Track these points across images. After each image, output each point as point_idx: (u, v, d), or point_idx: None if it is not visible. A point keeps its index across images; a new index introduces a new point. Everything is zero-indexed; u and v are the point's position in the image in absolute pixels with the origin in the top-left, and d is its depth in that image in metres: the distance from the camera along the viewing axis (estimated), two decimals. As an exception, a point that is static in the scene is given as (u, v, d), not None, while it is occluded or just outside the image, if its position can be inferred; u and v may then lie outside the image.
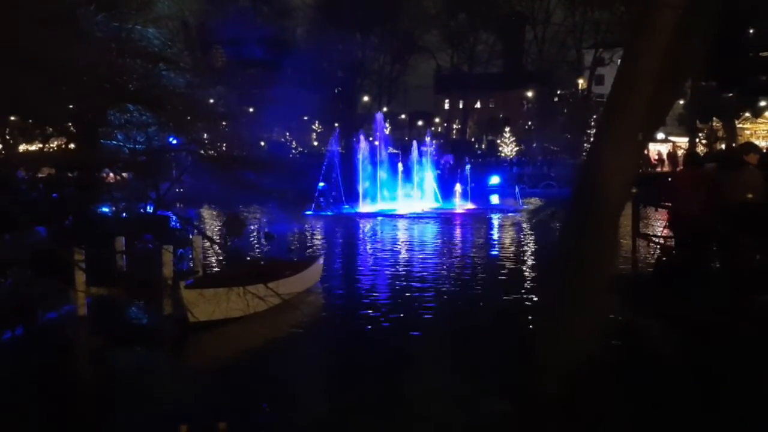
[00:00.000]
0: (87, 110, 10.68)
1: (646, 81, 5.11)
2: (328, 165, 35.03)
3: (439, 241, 23.69)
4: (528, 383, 5.59)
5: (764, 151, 11.55)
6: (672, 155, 46.34)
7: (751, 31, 42.69)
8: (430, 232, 26.30)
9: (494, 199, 35.95)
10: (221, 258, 16.84)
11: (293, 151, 55.97)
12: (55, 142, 12.33)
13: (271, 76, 48.87)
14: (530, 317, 11.64)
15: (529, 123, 61.87)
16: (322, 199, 33.47)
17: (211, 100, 17.61)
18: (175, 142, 13.42)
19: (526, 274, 16.93)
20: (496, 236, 25.90)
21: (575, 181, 6.40)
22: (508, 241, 24.10)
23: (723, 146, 40.10)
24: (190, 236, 15.14)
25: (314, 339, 11.84)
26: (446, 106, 69.83)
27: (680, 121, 49.64)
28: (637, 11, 5.48)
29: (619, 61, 5.90)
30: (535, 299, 13.16)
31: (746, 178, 8.23)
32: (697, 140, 47.87)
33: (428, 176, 36.74)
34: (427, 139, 39.61)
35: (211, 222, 24.43)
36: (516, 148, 55.81)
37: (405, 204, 34.18)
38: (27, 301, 11.53)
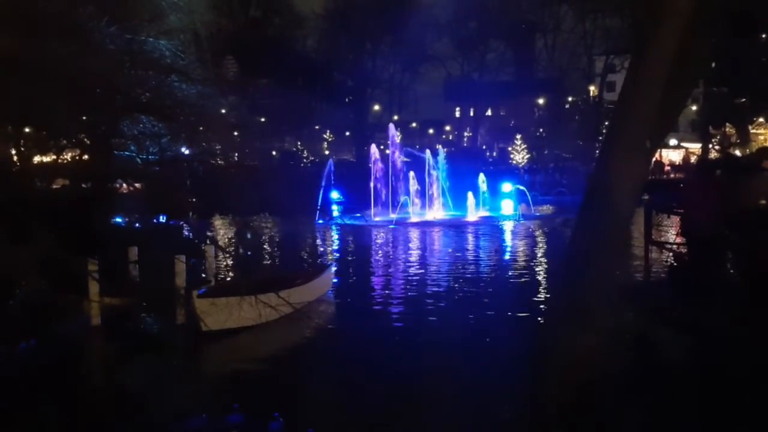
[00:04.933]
0: (100, 122, 10.79)
1: (654, 87, 5.10)
2: (339, 174, 35.11)
3: (449, 249, 23.64)
4: (538, 391, 5.56)
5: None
6: (687, 161, 46.05)
7: (764, 35, 42.40)
8: (441, 240, 26.26)
9: (506, 206, 35.78)
10: (233, 267, 16.90)
11: (304, 160, 56.21)
12: (69, 154, 12.44)
13: (282, 86, 49.23)
14: (541, 325, 11.58)
15: (540, 130, 61.75)
16: (333, 208, 33.52)
17: (223, 111, 17.72)
18: (187, 152, 13.52)
19: (537, 283, 16.85)
20: (507, 245, 25.80)
21: (586, 187, 6.39)
22: (520, 249, 24.01)
23: (727, 152, 39.82)
24: (203, 246, 15.21)
25: (325, 348, 11.86)
26: (457, 114, 69.82)
27: (693, 127, 49.37)
28: (645, 17, 5.47)
29: (629, 67, 5.88)
30: (547, 308, 13.09)
31: (759, 184, 8.17)
32: (711, 146, 47.56)
33: (440, 184, 36.65)
34: (439, 147, 39.51)
35: (223, 232, 24.53)
36: (527, 156, 55.69)
37: (417, 212, 34.13)
38: (41, 311, 11.61)
